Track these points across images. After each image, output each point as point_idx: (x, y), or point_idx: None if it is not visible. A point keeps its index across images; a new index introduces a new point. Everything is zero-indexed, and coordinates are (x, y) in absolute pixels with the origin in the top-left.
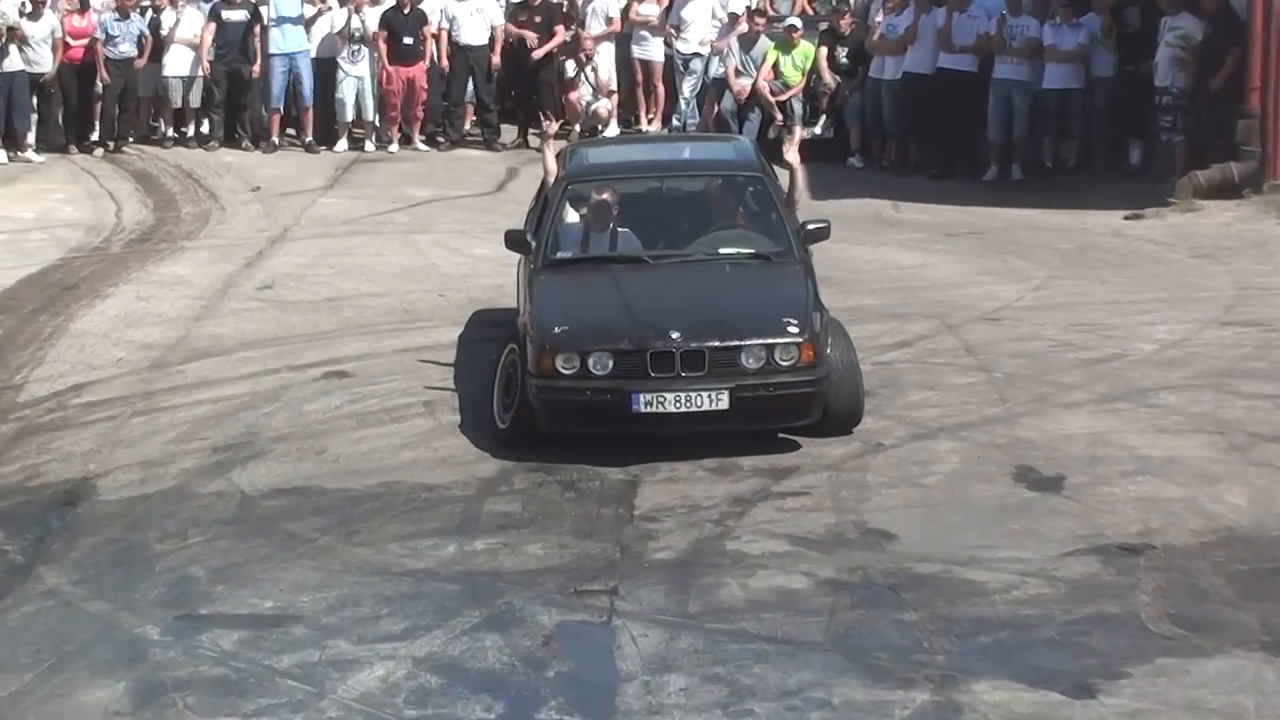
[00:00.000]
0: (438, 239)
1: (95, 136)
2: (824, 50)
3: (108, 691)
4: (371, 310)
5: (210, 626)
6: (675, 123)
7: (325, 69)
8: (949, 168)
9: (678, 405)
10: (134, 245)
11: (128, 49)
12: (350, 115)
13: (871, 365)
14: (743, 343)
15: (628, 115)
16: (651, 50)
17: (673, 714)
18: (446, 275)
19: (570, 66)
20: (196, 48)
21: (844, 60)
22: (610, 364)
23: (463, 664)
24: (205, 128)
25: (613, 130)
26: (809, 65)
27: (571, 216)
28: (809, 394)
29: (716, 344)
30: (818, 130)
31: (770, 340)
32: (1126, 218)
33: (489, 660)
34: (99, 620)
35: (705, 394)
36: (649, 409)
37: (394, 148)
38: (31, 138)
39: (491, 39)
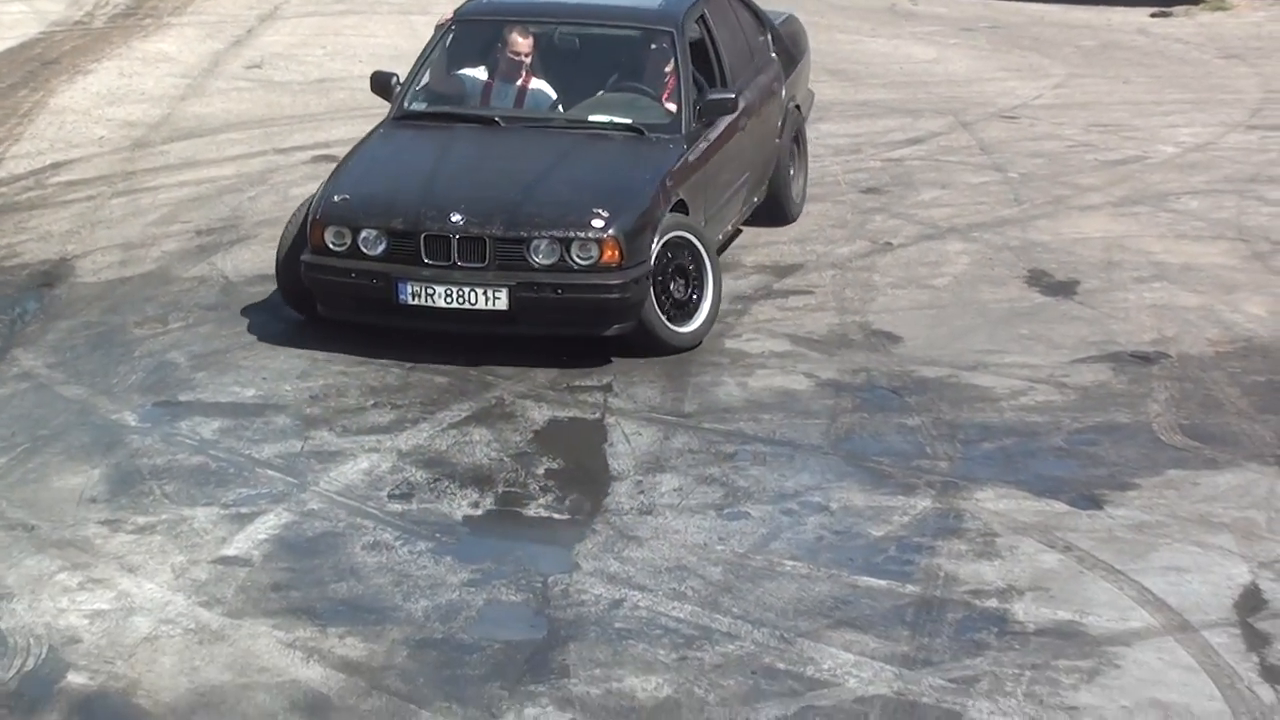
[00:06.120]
0: (434, 20)
1: None
2: None
3: (83, 477)
4: (363, 93)
5: (190, 414)
6: None
7: None
8: None
9: (449, 300)
10: (118, 20)
11: None
12: None
13: (882, 161)
14: (531, 234)
15: None
16: None
17: (665, 514)
18: None
19: None
20: None
21: None
22: (383, 245)
23: (450, 458)
24: None
25: None
26: None
27: (448, 62)
28: (607, 300)
29: (498, 233)
30: None
31: (565, 234)
32: (1153, 15)
33: (477, 455)
34: (75, 405)
35: (481, 290)
36: (416, 301)
37: None
38: None
39: None
